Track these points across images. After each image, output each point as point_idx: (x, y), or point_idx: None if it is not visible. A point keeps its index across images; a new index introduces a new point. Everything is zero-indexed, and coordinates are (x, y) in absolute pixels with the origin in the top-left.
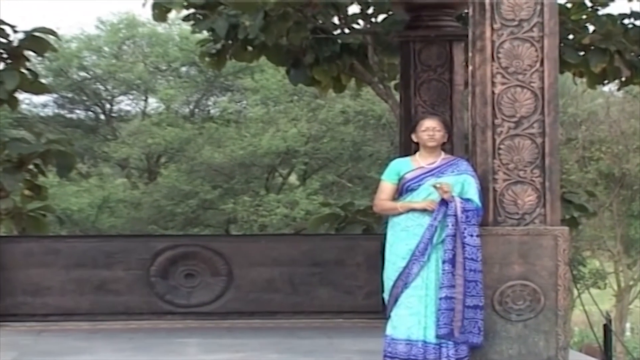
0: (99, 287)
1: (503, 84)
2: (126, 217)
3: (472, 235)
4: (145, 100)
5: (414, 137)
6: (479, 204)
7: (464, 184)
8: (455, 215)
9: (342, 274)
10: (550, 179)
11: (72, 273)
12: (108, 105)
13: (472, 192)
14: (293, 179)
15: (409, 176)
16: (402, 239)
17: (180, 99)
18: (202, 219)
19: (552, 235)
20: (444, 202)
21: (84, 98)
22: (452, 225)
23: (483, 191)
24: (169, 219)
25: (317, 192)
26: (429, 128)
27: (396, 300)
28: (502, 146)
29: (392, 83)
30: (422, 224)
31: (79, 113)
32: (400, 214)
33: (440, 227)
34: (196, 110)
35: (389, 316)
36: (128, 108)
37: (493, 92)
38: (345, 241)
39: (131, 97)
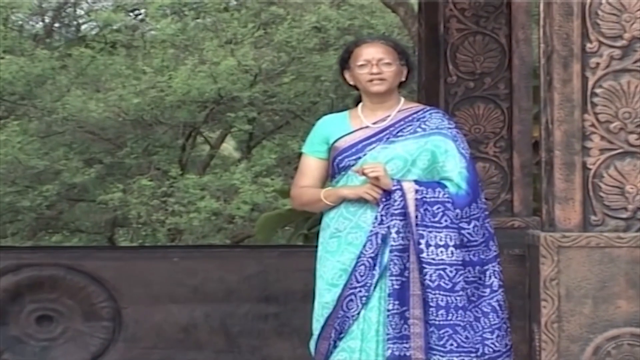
0: None
1: None
2: None
3: (439, 246)
4: None
5: (348, 78)
6: (464, 187)
7: (434, 152)
8: (404, 214)
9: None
10: None
11: None
12: None
13: (452, 165)
14: (229, 147)
15: (342, 144)
16: (332, 251)
17: (26, 5)
18: (66, 220)
19: None
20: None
21: None
22: (398, 233)
23: (566, 167)
24: (7, 219)
25: (270, 171)
26: (370, 61)
27: (327, 358)
28: (598, 90)
29: None
30: (360, 225)
31: None
32: (331, 209)
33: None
34: (56, 25)
35: None
36: None
37: None
38: None
39: None
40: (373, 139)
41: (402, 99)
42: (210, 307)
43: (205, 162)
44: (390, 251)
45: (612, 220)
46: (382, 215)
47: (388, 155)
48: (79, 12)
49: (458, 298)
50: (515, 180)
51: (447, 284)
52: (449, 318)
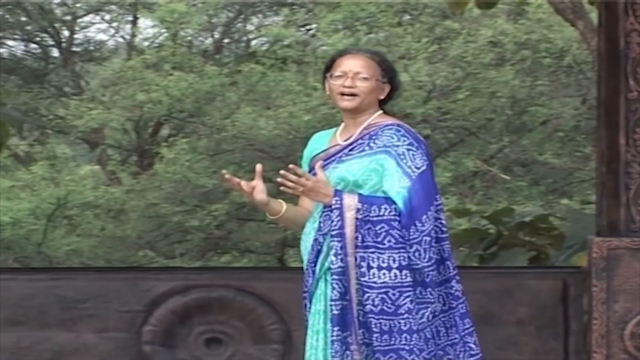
0: None
1: None
2: (99, 235)
3: (382, 268)
4: (134, 24)
5: (326, 88)
6: (400, 207)
7: (379, 171)
8: (341, 234)
9: (493, 338)
10: None
11: (2, 335)
12: (66, 32)
13: (389, 185)
14: None
15: (314, 163)
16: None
17: (196, 20)
18: (236, 240)
19: None
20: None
21: (23, 19)
22: (336, 255)
23: None
24: (175, 239)
25: (445, 189)
26: (347, 73)
27: None
28: None
29: None
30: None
31: (13, 47)
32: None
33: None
34: (225, 41)
35: None
36: (102, 37)
37: None
38: (498, 279)
39: (107, 17)
40: (333, 158)
41: (376, 114)
42: None
43: None
44: (331, 274)
45: None
46: (320, 223)
47: (336, 175)
48: (249, 27)
49: (402, 321)
50: None
51: (389, 308)
52: (392, 342)
